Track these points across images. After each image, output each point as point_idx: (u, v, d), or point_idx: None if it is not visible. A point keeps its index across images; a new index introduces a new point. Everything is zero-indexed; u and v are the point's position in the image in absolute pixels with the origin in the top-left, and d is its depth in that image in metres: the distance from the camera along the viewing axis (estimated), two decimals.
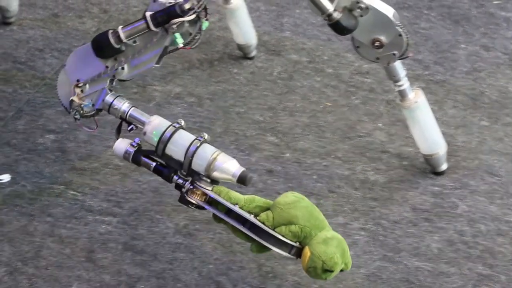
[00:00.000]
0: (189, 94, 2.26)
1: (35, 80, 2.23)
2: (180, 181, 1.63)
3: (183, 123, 1.68)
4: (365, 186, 1.99)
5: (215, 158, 1.61)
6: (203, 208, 1.62)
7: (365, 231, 1.87)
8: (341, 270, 1.58)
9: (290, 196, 1.63)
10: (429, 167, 2.02)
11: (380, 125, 2.17)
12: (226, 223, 1.62)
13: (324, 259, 1.54)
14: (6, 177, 1.97)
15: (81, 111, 1.73)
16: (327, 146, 2.10)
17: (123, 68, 1.74)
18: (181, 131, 1.67)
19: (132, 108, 1.72)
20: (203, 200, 1.61)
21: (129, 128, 1.72)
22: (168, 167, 1.64)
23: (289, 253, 1.57)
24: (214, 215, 1.63)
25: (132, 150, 1.66)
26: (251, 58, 2.38)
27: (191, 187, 1.62)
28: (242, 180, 1.60)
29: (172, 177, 1.64)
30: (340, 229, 1.86)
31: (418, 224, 1.89)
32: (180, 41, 1.72)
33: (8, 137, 2.07)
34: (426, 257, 1.81)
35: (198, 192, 1.61)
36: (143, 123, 1.69)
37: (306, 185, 1.99)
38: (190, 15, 1.72)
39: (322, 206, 1.92)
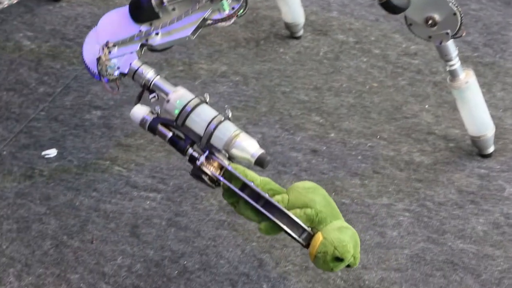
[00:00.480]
0: (235, 73, 2.26)
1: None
2: (195, 154, 1.57)
3: (208, 98, 1.65)
4: (410, 167, 1.97)
5: (237, 135, 1.56)
6: (215, 182, 1.55)
7: (409, 212, 1.85)
8: (348, 266, 1.49)
9: (308, 182, 1.57)
10: (476, 149, 1.99)
11: (426, 106, 2.15)
12: (236, 202, 1.55)
13: (337, 245, 1.46)
14: (53, 152, 1.99)
15: (106, 72, 1.69)
16: (372, 127, 2.09)
17: (157, 34, 1.71)
18: (204, 105, 1.62)
19: (158, 76, 1.67)
20: (218, 172, 1.54)
21: (151, 96, 1.66)
22: (185, 139, 1.58)
23: (299, 236, 1.49)
24: (225, 192, 1.55)
25: (150, 117, 1.60)
26: (297, 38, 2.37)
27: (208, 157, 1.55)
28: (260, 162, 1.54)
29: (188, 149, 1.58)
30: (384, 210, 1.86)
31: (464, 206, 1.87)
32: (227, 7, 1.67)
33: (56, 112, 2.09)
34: (471, 239, 1.79)
35: (215, 164, 1.54)
36: (166, 93, 1.63)
37: (350, 165, 1.98)
38: None
39: (366, 187, 1.91)
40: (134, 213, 1.84)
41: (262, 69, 2.27)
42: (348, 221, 1.81)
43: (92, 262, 1.72)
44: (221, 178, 1.53)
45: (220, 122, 1.57)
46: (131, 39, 1.70)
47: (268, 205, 1.50)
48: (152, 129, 1.60)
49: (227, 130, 1.57)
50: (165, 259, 1.74)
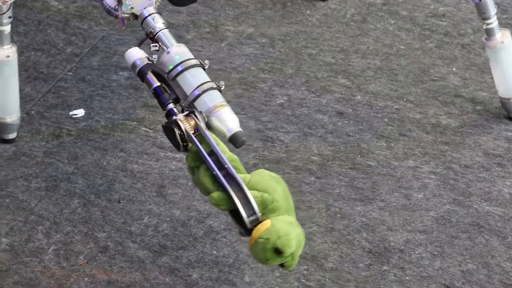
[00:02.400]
0: (261, 35, 2.25)
1: (109, 18, 2.25)
2: (175, 110, 1.53)
3: (207, 66, 1.61)
4: (436, 130, 1.96)
5: (222, 106, 1.52)
6: (184, 143, 1.50)
7: (435, 175, 1.85)
8: (282, 266, 1.44)
9: (274, 174, 1.51)
10: (504, 112, 1.98)
11: (454, 69, 2.13)
12: (197, 167, 1.49)
13: (282, 235, 1.40)
14: (80, 112, 2.00)
15: (120, 8, 1.66)
16: (399, 90, 2.08)
17: None
18: (201, 69, 1.58)
19: (166, 30, 1.64)
20: (192, 132, 1.50)
21: (152, 45, 1.62)
22: (170, 94, 1.55)
23: (247, 216, 1.42)
24: (191, 154, 1.50)
25: (142, 62, 1.56)
26: (324, 0, 2.35)
27: (188, 114, 1.50)
28: (234, 139, 1.50)
29: (169, 103, 1.54)
30: (410, 172, 1.86)
31: (490, 169, 1.86)
32: None
33: (83, 73, 2.10)
34: (497, 202, 1.79)
35: (191, 122, 1.50)
36: (168, 46, 1.60)
37: (376, 128, 1.98)
38: None
39: (392, 150, 1.91)
40: (161, 173, 1.86)
41: (288, 31, 2.26)
42: (373, 183, 1.83)
43: (119, 221, 1.74)
44: (193, 137, 1.49)
45: (211, 88, 1.55)
46: None
47: (229, 177, 1.44)
48: (142, 74, 1.56)
49: (215, 98, 1.54)
50: (191, 219, 1.76)
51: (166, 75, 1.56)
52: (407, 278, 1.64)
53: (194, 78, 1.56)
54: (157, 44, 1.62)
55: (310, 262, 1.66)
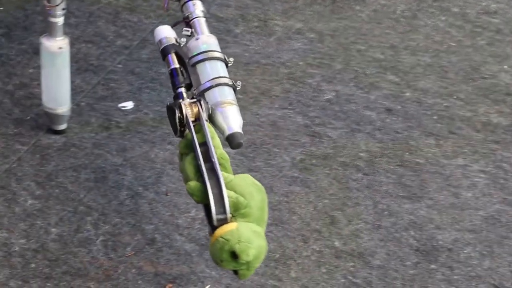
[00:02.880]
0: (310, 30, 2.25)
1: (159, 11, 2.26)
2: (183, 94, 1.52)
3: (231, 63, 1.60)
4: (487, 128, 1.94)
5: (230, 103, 1.52)
6: (181, 127, 1.49)
7: (485, 174, 1.83)
8: (235, 272, 1.41)
9: (259, 184, 1.49)
10: None
11: (505, 67, 2.11)
12: (186, 154, 1.48)
13: (242, 241, 1.37)
14: (129, 104, 2.01)
15: None
16: (449, 87, 2.06)
17: None
18: (224, 64, 1.58)
19: (203, 18, 1.64)
20: (192, 119, 1.48)
21: (185, 29, 1.62)
22: (185, 78, 1.55)
23: (216, 214, 1.39)
24: (184, 141, 1.49)
25: (168, 41, 1.57)
26: None
27: (193, 103, 1.49)
28: (231, 138, 1.49)
29: (181, 86, 1.53)
30: (459, 171, 1.84)
31: None
32: None
33: (132, 65, 2.11)
34: None
35: (194, 110, 1.49)
36: (198, 33, 1.60)
37: (425, 125, 1.96)
38: None
39: (441, 147, 1.90)
40: None
41: (337, 27, 2.25)
42: (422, 181, 1.81)
43: (167, 214, 1.74)
44: (191, 124, 1.47)
45: (226, 84, 1.54)
46: None
47: (211, 171, 1.42)
48: (164, 53, 1.57)
49: (226, 94, 1.53)
50: None
51: (187, 60, 1.56)
52: (455, 277, 1.62)
53: (212, 70, 1.56)
54: (190, 29, 1.62)
55: (357, 259, 1.65)
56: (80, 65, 2.07)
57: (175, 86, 1.54)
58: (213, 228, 1.40)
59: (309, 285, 1.60)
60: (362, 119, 1.99)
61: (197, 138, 1.45)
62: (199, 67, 1.57)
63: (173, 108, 1.49)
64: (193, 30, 1.62)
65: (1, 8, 2.19)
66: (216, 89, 1.54)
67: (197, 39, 1.59)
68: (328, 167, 1.87)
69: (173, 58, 1.57)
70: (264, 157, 1.89)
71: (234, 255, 1.37)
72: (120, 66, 2.10)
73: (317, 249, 1.68)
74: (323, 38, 2.22)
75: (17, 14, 2.18)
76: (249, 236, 1.38)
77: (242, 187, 1.43)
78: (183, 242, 1.68)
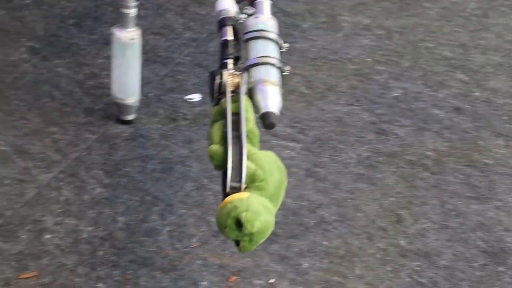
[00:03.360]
0: (378, 26, 2.23)
1: None
2: (230, 65, 1.52)
3: (284, 49, 1.58)
4: None
5: (272, 83, 1.49)
6: (219, 95, 1.48)
7: None
8: (237, 244, 1.39)
9: (283, 167, 1.47)
10: None
11: None
12: (216, 121, 1.48)
13: (250, 211, 1.35)
14: (197, 97, 2.02)
15: None
16: None
17: None
18: (277, 47, 1.56)
19: (269, 1, 1.63)
20: (230, 89, 1.48)
21: (249, 7, 1.62)
22: (233, 51, 1.54)
23: (230, 180, 1.37)
24: (218, 108, 1.49)
25: (228, 14, 1.57)
26: None
27: (236, 75, 1.49)
28: (265, 117, 1.46)
29: (228, 58, 1.53)
30: None
31: None
32: None
33: (200, 58, 2.12)
34: None
35: (235, 81, 1.49)
36: (259, 13, 1.60)
37: (494, 126, 1.93)
38: None
39: (510, 148, 1.87)
40: None
41: (406, 24, 2.23)
42: (490, 182, 1.79)
43: None
44: (229, 93, 1.47)
45: (273, 65, 1.52)
46: None
47: (237, 140, 1.41)
48: (221, 24, 1.57)
49: (271, 74, 1.51)
50: (302, 208, 1.76)
51: (241, 35, 1.55)
52: None
53: (263, 48, 1.54)
54: (253, 9, 1.61)
55: (423, 259, 1.64)
56: (148, 57, 2.08)
57: (222, 56, 1.54)
58: (225, 195, 1.39)
59: (374, 283, 1.59)
60: (430, 118, 1.97)
61: (231, 107, 1.45)
62: (251, 43, 1.56)
63: (214, 74, 1.49)
64: (255, 10, 1.61)
65: None
66: (262, 67, 1.52)
67: (256, 17, 1.58)
68: (395, 165, 1.86)
69: (227, 30, 1.57)
70: (330, 153, 1.89)
71: (239, 224, 1.35)
72: (187, 58, 2.11)
73: (382, 247, 1.67)
74: (391, 35, 2.20)
75: (88, 4, 2.21)
76: (258, 208, 1.36)
77: (264, 162, 1.42)
78: None
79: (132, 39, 1.83)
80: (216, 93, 1.50)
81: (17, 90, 1.95)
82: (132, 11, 1.81)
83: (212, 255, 1.64)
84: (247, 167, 1.39)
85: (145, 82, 2.01)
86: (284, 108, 1.98)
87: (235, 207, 1.36)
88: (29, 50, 2.06)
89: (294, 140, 1.91)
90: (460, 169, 1.84)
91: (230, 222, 1.36)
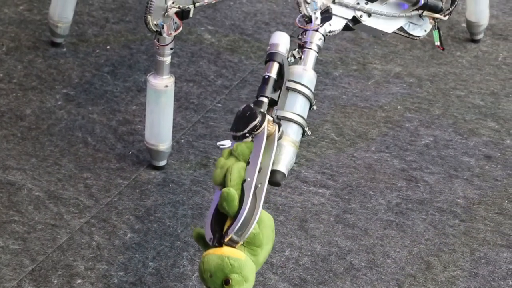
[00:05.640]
0: (409, 75, 2.25)
1: (259, 52, 2.30)
2: (264, 106, 1.53)
3: (313, 109, 1.63)
4: None
5: (293, 144, 1.54)
6: (250, 135, 1.49)
7: None
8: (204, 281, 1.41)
9: (274, 236, 1.50)
10: None
11: None
12: (234, 158, 1.49)
13: (242, 276, 1.39)
14: (228, 143, 2.02)
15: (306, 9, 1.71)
16: None
17: (369, 15, 1.79)
18: (308, 106, 1.61)
19: (315, 52, 1.67)
20: (267, 130, 1.48)
21: (297, 51, 1.66)
22: (273, 91, 1.56)
23: (234, 233, 1.39)
24: (242, 146, 1.49)
25: (280, 50, 1.59)
26: (476, 41, 2.32)
27: (276, 122, 1.51)
28: (274, 174, 1.49)
29: (265, 96, 1.55)
30: None
31: None
32: (436, 40, 1.86)
33: (231, 105, 2.15)
34: None
35: (272, 129, 1.50)
36: (306, 65, 1.64)
37: None
38: (445, 15, 1.84)
39: None
40: (303, 207, 1.87)
41: (437, 72, 2.25)
42: None
43: None
44: (264, 139, 1.48)
45: (302, 127, 1.57)
46: (348, 5, 1.75)
47: (254, 196, 1.44)
48: (270, 58, 1.59)
49: (296, 133, 1.56)
50: (332, 254, 1.76)
51: (286, 79, 1.58)
52: None
53: (300, 106, 1.58)
54: (300, 55, 1.65)
55: None
56: (181, 103, 2.11)
57: (260, 93, 1.56)
58: (218, 242, 1.41)
59: None
60: (460, 165, 1.97)
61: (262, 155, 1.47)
62: (292, 95, 1.59)
63: (255, 113, 1.50)
64: (303, 57, 1.65)
65: (108, 47, 2.26)
66: (293, 125, 1.56)
67: (304, 69, 1.63)
68: (425, 212, 1.86)
69: (273, 66, 1.59)
70: (360, 200, 1.89)
71: (226, 281, 1.38)
72: (219, 105, 2.14)
73: None
74: (422, 83, 2.22)
75: (123, 52, 2.25)
76: (248, 275, 1.41)
77: (265, 228, 1.46)
78: (277, 281, 1.69)
79: (166, 86, 1.86)
80: (247, 132, 1.50)
81: (52, 136, 1.99)
82: (167, 59, 1.84)
83: None
84: (254, 229, 1.42)
85: (177, 128, 2.04)
86: (314, 154, 2.00)
87: (231, 265, 1.39)
88: (64, 97, 2.10)
89: (324, 187, 1.92)
90: (491, 217, 1.84)
91: (219, 275, 1.39)
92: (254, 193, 1.44)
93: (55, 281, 1.66)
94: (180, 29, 1.80)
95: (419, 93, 2.19)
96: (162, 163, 1.94)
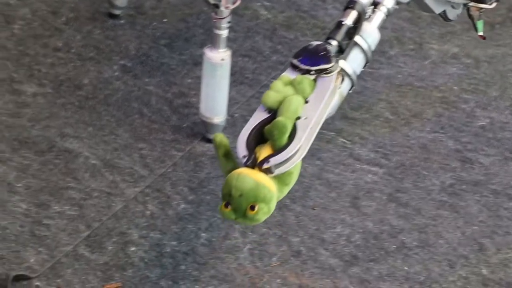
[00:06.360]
0: (466, 55, 2.22)
1: (315, 29, 2.29)
2: (332, 49, 1.53)
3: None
4: None
5: (342, 96, 1.54)
6: (316, 72, 1.47)
7: None
8: (226, 204, 1.36)
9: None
10: None
11: None
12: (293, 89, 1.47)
13: (270, 207, 1.36)
14: None
15: None
16: None
17: None
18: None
19: (385, 16, 1.66)
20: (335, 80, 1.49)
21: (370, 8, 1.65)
22: (343, 38, 1.56)
23: (274, 167, 1.37)
24: (301, 80, 1.48)
25: (361, 2, 1.60)
26: None
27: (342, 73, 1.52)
28: None
29: (334, 39, 1.55)
30: None
31: None
32: (480, 30, 1.82)
33: None
34: None
35: (338, 79, 1.49)
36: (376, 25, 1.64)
37: None
38: (491, 3, 1.84)
39: None
40: (356, 184, 1.87)
41: (495, 53, 2.22)
42: None
43: (313, 228, 1.76)
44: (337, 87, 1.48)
45: (353, 83, 1.57)
46: None
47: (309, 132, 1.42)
48: (347, 6, 1.59)
49: (347, 88, 1.56)
50: (383, 232, 1.76)
51: (355, 36, 1.57)
52: None
53: (359, 64, 1.59)
54: (370, 14, 1.64)
55: None
56: (236, 78, 2.12)
57: (332, 37, 1.55)
58: (258, 166, 1.37)
59: None
60: None
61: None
62: (356, 50, 1.59)
63: (330, 56, 1.49)
64: (372, 15, 1.64)
65: (165, 20, 2.28)
66: (346, 78, 1.56)
67: (373, 29, 1.62)
68: (479, 193, 1.84)
69: (350, 14, 1.59)
70: (413, 179, 1.88)
71: (252, 207, 1.35)
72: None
73: (464, 275, 1.66)
74: (479, 64, 2.19)
75: (180, 26, 2.26)
76: (272, 209, 1.38)
77: (298, 165, 1.44)
78: (328, 257, 1.70)
79: (223, 59, 1.86)
80: (315, 70, 1.48)
81: (108, 106, 2.02)
82: (224, 33, 1.85)
83: (291, 274, 1.65)
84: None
85: (231, 102, 2.05)
86: (368, 132, 2.00)
87: (264, 195, 1.35)
88: (121, 68, 2.12)
89: (377, 165, 1.92)
90: None
91: (249, 199, 1.35)
92: (309, 134, 1.42)
93: (110, 247, 1.68)
94: (238, 2, 1.80)
95: (476, 74, 2.17)
96: None
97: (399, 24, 2.31)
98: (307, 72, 1.50)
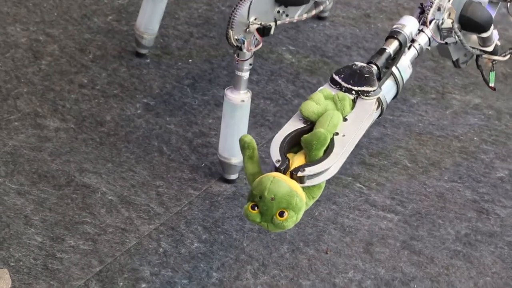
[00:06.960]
0: (488, 107, 2.23)
1: None
2: (372, 72, 1.56)
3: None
4: None
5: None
6: (356, 95, 1.52)
7: None
8: (253, 207, 1.37)
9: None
10: None
11: None
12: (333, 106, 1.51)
13: (298, 216, 1.36)
14: None
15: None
16: None
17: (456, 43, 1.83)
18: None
19: (417, 52, 1.70)
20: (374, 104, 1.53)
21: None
22: (377, 61, 1.60)
23: (306, 178, 1.39)
24: (343, 98, 1.52)
25: (401, 30, 1.65)
26: None
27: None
28: None
29: (373, 64, 1.59)
30: None
31: None
32: (492, 81, 1.77)
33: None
34: None
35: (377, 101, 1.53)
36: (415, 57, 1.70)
37: None
38: (505, 55, 1.87)
39: None
40: (370, 230, 1.87)
41: None
42: None
43: (324, 272, 1.76)
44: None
45: (381, 112, 1.60)
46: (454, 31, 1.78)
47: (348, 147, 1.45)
48: (389, 35, 1.64)
49: (373, 117, 1.58)
50: (395, 279, 1.75)
51: (393, 66, 1.62)
52: None
53: (390, 95, 1.64)
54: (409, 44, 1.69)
55: None
56: (256, 120, 2.14)
57: (374, 61, 1.59)
58: (291, 173, 1.38)
59: None
60: None
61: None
62: (391, 82, 1.64)
63: (374, 80, 1.53)
64: (407, 50, 1.69)
65: (190, 60, 2.31)
66: (376, 112, 1.60)
67: (409, 65, 1.68)
68: (494, 244, 1.83)
69: (394, 44, 1.63)
70: (428, 227, 1.88)
71: (281, 214, 1.35)
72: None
73: None
74: (501, 116, 2.19)
75: (204, 66, 2.30)
76: (299, 218, 1.38)
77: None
78: None
79: (243, 100, 1.89)
80: (357, 91, 1.52)
81: (129, 143, 2.04)
82: (246, 75, 1.87)
83: None
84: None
85: None
86: (385, 179, 2.00)
87: (296, 203, 1.36)
88: (144, 106, 2.15)
89: (392, 212, 1.92)
90: None
91: (281, 204, 1.35)
92: (347, 149, 1.45)
93: (121, 283, 1.69)
94: (260, 45, 1.83)
95: (497, 125, 2.17)
96: (234, 176, 1.97)
97: (423, 73, 2.32)
98: (348, 90, 1.52)
